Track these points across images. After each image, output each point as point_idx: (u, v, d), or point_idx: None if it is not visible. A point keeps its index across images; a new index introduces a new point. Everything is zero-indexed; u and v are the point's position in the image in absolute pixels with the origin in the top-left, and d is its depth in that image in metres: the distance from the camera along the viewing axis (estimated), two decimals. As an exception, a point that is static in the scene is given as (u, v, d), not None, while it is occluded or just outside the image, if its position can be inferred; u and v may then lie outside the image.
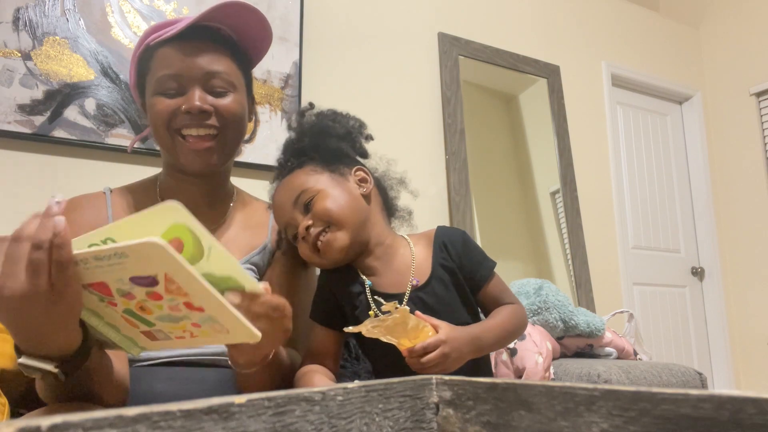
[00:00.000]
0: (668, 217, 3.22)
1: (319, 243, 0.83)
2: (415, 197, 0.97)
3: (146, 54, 0.88)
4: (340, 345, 0.88)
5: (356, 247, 0.86)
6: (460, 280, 0.85)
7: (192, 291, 0.52)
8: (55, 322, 0.55)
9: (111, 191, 0.93)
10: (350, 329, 0.73)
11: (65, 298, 0.54)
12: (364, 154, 0.95)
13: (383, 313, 0.81)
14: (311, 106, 0.95)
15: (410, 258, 0.88)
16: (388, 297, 0.83)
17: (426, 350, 0.71)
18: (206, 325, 0.57)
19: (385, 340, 0.72)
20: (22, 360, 0.57)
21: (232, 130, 0.89)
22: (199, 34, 0.87)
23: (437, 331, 0.74)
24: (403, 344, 0.72)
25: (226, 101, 0.88)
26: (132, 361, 0.82)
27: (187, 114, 0.84)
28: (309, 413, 0.32)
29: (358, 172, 0.90)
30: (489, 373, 0.92)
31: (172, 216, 0.52)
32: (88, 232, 0.80)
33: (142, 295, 0.55)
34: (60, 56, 1.66)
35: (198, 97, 0.84)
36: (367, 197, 0.89)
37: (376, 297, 0.84)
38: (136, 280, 0.53)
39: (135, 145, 1.74)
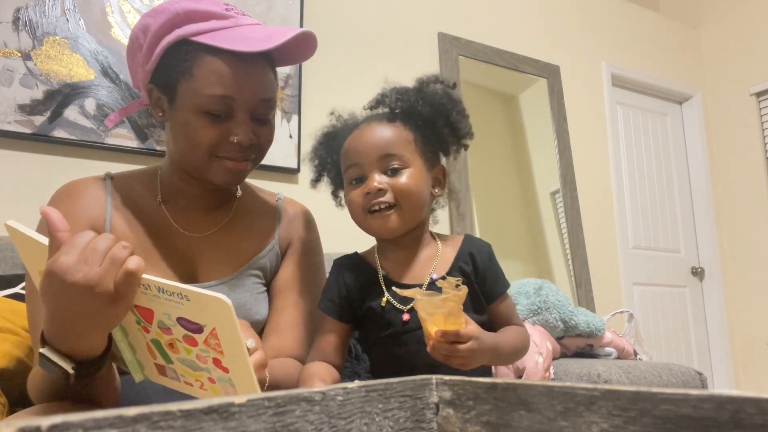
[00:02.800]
0: (668, 217, 3.22)
1: (375, 209, 0.80)
2: (461, 220, 0.97)
3: (185, 50, 0.78)
4: (348, 338, 0.87)
5: (403, 232, 0.84)
6: (474, 287, 0.84)
7: (228, 354, 0.54)
8: (98, 322, 0.56)
9: (112, 178, 0.89)
10: (403, 292, 0.70)
11: (119, 305, 0.55)
12: (449, 155, 0.93)
13: (400, 301, 0.81)
14: (454, 86, 0.90)
15: (434, 255, 0.87)
16: (404, 287, 0.81)
17: (459, 339, 0.69)
18: (221, 384, 0.58)
19: (423, 315, 0.70)
20: (45, 351, 0.57)
21: (264, 154, 0.88)
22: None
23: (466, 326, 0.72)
24: (438, 325, 0.69)
25: (268, 128, 0.85)
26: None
27: (235, 144, 0.80)
28: (309, 413, 0.32)
29: (439, 173, 0.89)
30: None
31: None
32: (83, 222, 0.81)
33: (180, 335, 0.56)
34: (60, 56, 1.66)
35: (249, 129, 0.81)
36: (433, 197, 0.88)
37: (393, 288, 0.81)
38: (182, 321, 0.55)
39: (134, 145, 1.74)
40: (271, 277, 0.94)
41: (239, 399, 0.28)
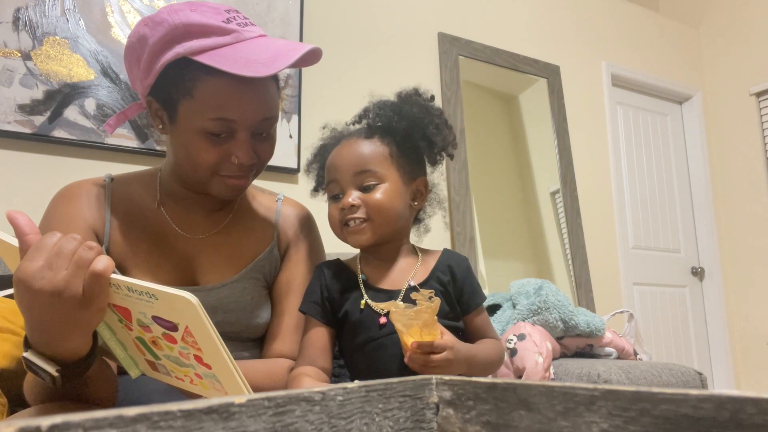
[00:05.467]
0: (668, 217, 3.22)
1: (350, 223, 0.83)
2: (446, 229, 0.99)
3: (185, 69, 0.75)
4: (333, 340, 0.87)
5: (376, 243, 0.86)
6: (451, 297, 0.86)
7: (206, 350, 0.54)
8: (73, 327, 0.55)
9: (112, 180, 0.89)
10: (379, 305, 0.76)
11: (91, 307, 0.54)
12: (435, 165, 0.95)
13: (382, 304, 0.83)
14: (433, 98, 0.91)
15: (414, 265, 0.88)
16: (383, 293, 0.84)
17: (434, 349, 0.71)
18: (208, 380, 0.58)
19: (399, 327, 0.72)
20: (28, 355, 0.57)
21: (266, 164, 0.87)
22: None
23: (442, 336, 0.74)
24: (413, 336, 0.72)
25: (270, 143, 0.85)
26: None
27: (236, 165, 0.80)
28: (309, 413, 0.32)
29: (420, 185, 0.90)
30: None
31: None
32: (82, 224, 0.81)
33: (159, 333, 0.56)
34: (60, 56, 1.66)
35: (251, 149, 0.80)
36: (411, 209, 0.90)
37: (369, 302, 0.84)
38: (157, 320, 0.55)
39: (134, 145, 1.74)
40: (272, 279, 0.94)
41: (239, 399, 0.28)
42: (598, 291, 2.68)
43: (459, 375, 0.77)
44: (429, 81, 2.44)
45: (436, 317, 0.72)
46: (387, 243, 0.88)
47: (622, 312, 2.19)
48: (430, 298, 0.71)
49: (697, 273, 3.25)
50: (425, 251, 0.92)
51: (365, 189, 0.83)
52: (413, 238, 0.95)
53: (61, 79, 1.65)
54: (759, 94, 3.21)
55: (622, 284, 2.86)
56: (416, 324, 0.71)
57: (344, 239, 0.86)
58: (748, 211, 3.20)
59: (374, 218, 0.83)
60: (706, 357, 3.18)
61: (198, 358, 0.56)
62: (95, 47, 1.71)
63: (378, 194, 0.83)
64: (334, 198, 0.87)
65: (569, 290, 2.57)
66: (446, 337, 0.74)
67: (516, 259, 2.57)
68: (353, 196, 0.83)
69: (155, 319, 0.55)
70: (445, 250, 0.92)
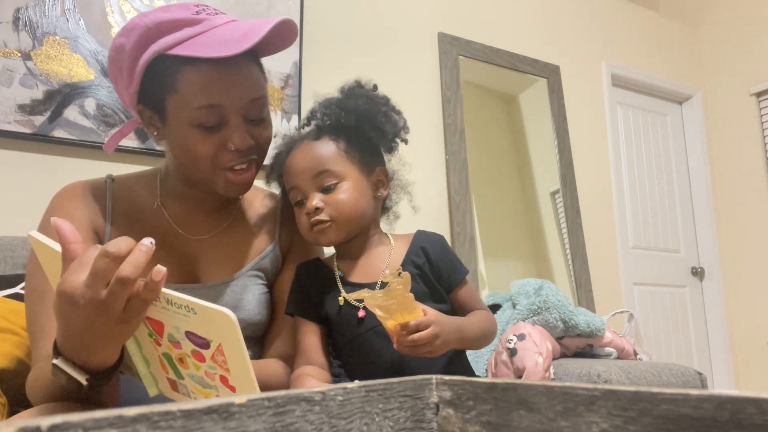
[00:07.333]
0: (668, 217, 3.22)
1: (315, 227, 0.84)
2: (415, 213, 0.99)
3: (164, 66, 0.76)
4: (325, 336, 0.88)
5: (345, 240, 0.87)
6: (430, 278, 0.86)
7: (234, 371, 0.54)
8: (108, 340, 0.56)
9: (113, 180, 0.89)
10: (350, 296, 0.74)
11: (130, 323, 0.55)
12: (391, 152, 0.95)
13: (358, 301, 0.82)
14: (375, 88, 0.92)
15: (387, 253, 0.89)
16: (360, 287, 0.83)
17: (418, 328, 0.71)
18: None
19: (378, 313, 0.72)
20: (58, 362, 0.57)
21: (265, 154, 0.86)
22: None
23: (425, 314, 0.74)
24: (396, 319, 0.72)
25: (265, 127, 0.84)
26: None
27: (234, 152, 0.79)
28: (309, 413, 0.32)
29: (380, 174, 0.90)
30: (468, 368, 0.91)
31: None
32: (84, 224, 0.80)
33: (188, 350, 0.56)
34: (60, 56, 1.66)
35: (245, 133, 0.79)
36: (376, 200, 0.90)
37: (342, 294, 0.84)
38: (190, 335, 0.55)
39: (134, 145, 1.74)
40: (273, 278, 0.94)
41: (239, 399, 0.28)
42: (598, 291, 2.68)
43: (452, 350, 0.77)
44: (429, 81, 2.44)
45: (412, 296, 0.71)
46: (357, 237, 0.88)
47: (622, 312, 2.18)
48: (399, 274, 0.70)
49: (697, 273, 3.25)
50: (398, 237, 0.92)
51: (326, 190, 0.84)
52: (384, 228, 0.96)
53: (61, 79, 1.65)
54: (759, 94, 3.21)
55: (622, 284, 2.86)
56: (393, 306, 0.70)
57: (314, 240, 0.87)
58: (748, 211, 3.20)
59: (338, 218, 0.83)
60: (706, 357, 3.18)
61: (224, 379, 0.55)
62: (95, 47, 1.71)
63: (340, 194, 0.84)
64: (298, 204, 0.87)
65: (569, 290, 2.57)
66: (429, 314, 0.74)
67: (516, 259, 2.57)
68: (316, 200, 0.83)
69: (188, 334, 0.55)
70: (418, 232, 0.92)
